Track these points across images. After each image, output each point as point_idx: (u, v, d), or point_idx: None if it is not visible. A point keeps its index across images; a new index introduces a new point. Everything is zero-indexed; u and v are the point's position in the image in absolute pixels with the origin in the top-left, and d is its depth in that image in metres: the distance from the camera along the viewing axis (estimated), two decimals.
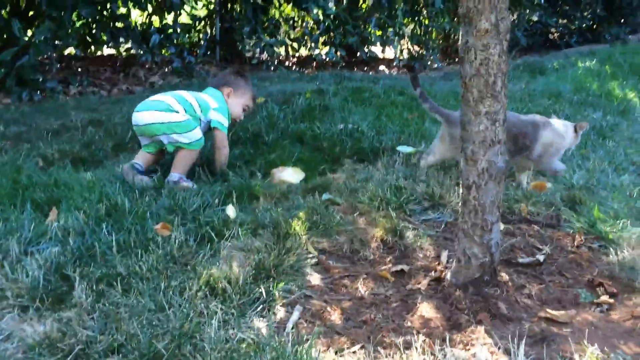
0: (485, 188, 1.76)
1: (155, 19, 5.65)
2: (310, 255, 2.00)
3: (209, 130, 2.82)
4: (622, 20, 8.62)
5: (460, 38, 1.70)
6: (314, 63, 6.62)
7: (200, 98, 2.77)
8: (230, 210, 2.29)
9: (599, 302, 1.79)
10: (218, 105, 2.80)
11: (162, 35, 5.16)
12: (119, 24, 5.06)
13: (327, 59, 6.50)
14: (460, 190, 1.82)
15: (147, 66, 5.34)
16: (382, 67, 7.05)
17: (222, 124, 2.79)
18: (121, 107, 3.86)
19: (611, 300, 1.79)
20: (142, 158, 2.73)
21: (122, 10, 5.10)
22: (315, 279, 1.88)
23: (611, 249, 2.10)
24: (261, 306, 1.64)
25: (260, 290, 1.70)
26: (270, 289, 1.73)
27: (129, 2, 4.90)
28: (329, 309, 1.72)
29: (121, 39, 5.16)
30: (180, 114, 2.63)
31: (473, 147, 1.75)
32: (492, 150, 1.73)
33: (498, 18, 1.61)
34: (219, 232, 2.08)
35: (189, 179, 2.64)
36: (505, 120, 1.75)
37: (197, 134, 2.66)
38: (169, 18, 5.56)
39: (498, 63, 1.66)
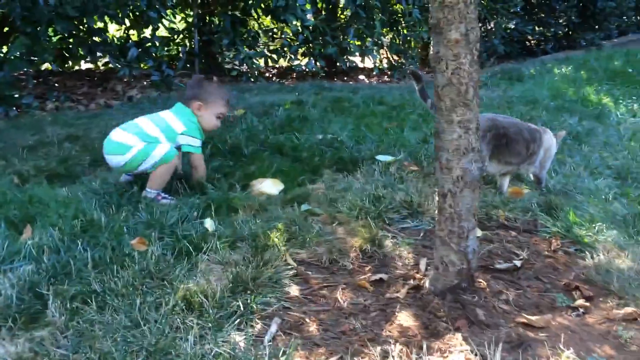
0: (461, 196, 1.78)
1: (134, 33, 5.62)
2: (289, 267, 2.00)
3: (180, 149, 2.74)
4: (597, 27, 8.77)
5: (431, 48, 1.72)
6: (294, 74, 6.63)
7: (165, 125, 2.65)
8: (209, 224, 2.28)
9: (575, 306, 1.80)
10: (186, 128, 2.67)
11: (140, 49, 5.13)
12: (96, 39, 5.03)
13: (307, 70, 6.52)
14: (437, 198, 1.84)
15: (125, 80, 5.30)
16: (362, 77, 7.09)
17: (194, 146, 2.71)
18: (99, 122, 3.83)
19: (587, 304, 1.81)
20: None
21: (99, 24, 5.07)
22: (293, 290, 1.87)
23: (587, 253, 2.13)
24: (238, 320, 1.63)
25: (237, 303, 1.69)
26: (248, 302, 1.72)
27: (106, 16, 4.88)
28: (307, 320, 1.71)
29: (98, 54, 5.12)
30: (137, 147, 2.55)
31: (447, 156, 1.76)
32: (466, 158, 1.75)
33: (467, 28, 1.64)
34: (197, 246, 2.07)
35: (166, 193, 2.62)
36: (479, 129, 1.77)
37: (163, 149, 2.57)
38: (147, 32, 5.54)
39: (469, 72, 1.68)
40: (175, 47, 6.11)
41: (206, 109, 2.74)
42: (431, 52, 1.71)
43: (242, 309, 1.67)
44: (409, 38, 7.18)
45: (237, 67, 6.06)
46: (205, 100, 2.73)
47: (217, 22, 5.95)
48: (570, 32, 8.68)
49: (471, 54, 1.66)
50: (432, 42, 1.71)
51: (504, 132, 2.68)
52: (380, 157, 3.14)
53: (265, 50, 6.44)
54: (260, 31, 6.49)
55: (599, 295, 1.86)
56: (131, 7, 5.06)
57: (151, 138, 2.59)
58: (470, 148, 1.74)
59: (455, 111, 1.71)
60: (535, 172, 2.81)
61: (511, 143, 2.68)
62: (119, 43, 5.30)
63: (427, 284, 1.89)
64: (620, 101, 5.13)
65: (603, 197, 2.70)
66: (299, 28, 6.16)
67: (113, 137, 2.59)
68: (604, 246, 2.16)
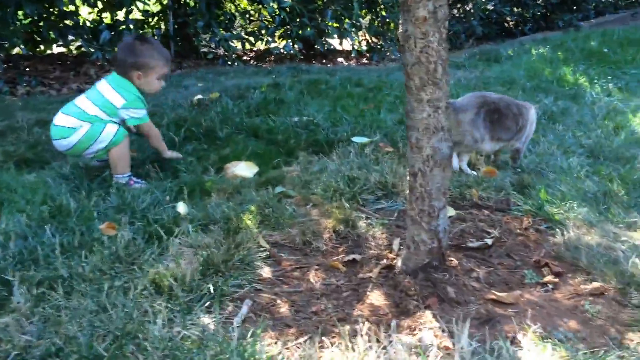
0: (431, 175, 1.78)
1: (106, 16, 5.51)
2: (262, 249, 1.99)
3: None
4: (574, 8, 8.79)
5: (400, 26, 1.70)
6: (272, 57, 6.57)
7: (104, 101, 2.52)
8: (181, 207, 2.26)
9: (544, 282, 1.82)
10: (126, 100, 2.53)
11: (113, 32, 5.04)
12: (68, 22, 4.92)
13: (285, 52, 6.46)
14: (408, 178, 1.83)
15: (98, 64, 5.20)
16: (340, 59, 7.05)
17: (138, 117, 2.58)
18: None
19: (556, 280, 1.83)
20: None
21: (71, 7, 4.96)
22: (266, 272, 1.87)
23: (557, 230, 2.15)
24: (208, 302, 1.62)
25: (208, 286, 1.68)
26: (219, 284, 1.71)
27: None
28: (279, 301, 1.71)
29: (70, 37, 5.01)
30: (83, 128, 2.47)
31: (417, 135, 1.76)
32: (436, 137, 1.75)
33: (435, 6, 1.62)
34: (168, 230, 2.05)
35: (139, 177, 2.59)
36: (448, 107, 1.76)
37: (111, 130, 2.49)
38: (121, 14, 5.42)
39: (438, 50, 1.67)
40: (150, 30, 6.00)
41: (146, 76, 2.55)
42: (400, 30, 1.70)
43: (212, 291, 1.66)
44: (387, 20, 7.13)
45: (213, 50, 5.99)
46: (144, 68, 2.53)
47: (193, 4, 5.86)
48: (548, 13, 8.69)
49: (439, 32, 1.65)
50: (400, 20, 1.69)
51: (495, 107, 2.70)
52: (356, 139, 3.13)
53: (242, 33, 6.36)
54: (237, 13, 6.40)
55: (568, 272, 1.88)
56: None
57: (91, 117, 2.49)
58: (439, 127, 1.74)
59: (425, 90, 1.70)
60: (519, 147, 2.84)
61: (502, 118, 2.70)
62: (91, 26, 5.18)
63: (399, 264, 1.89)
64: (596, 81, 5.16)
65: (575, 175, 2.72)
66: (276, 10, 6.08)
67: (56, 122, 2.52)
68: (574, 223, 2.19)
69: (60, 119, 2.52)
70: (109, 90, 2.55)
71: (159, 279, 1.67)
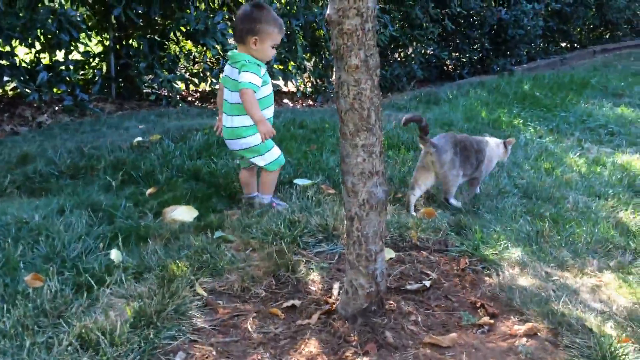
0: (367, 219, 1.79)
1: (45, 56, 5.38)
2: (198, 297, 1.94)
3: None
4: (508, 53, 9.25)
5: (334, 74, 1.74)
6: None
7: (231, 91, 2.69)
8: (115, 255, 2.18)
9: (480, 323, 1.85)
10: (248, 67, 2.60)
11: (51, 73, 4.91)
12: (3, 62, 4.77)
13: None
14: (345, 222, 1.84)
15: (34, 105, 5.05)
16: (286, 101, 7.12)
17: (251, 83, 2.59)
18: (2, 150, 3.61)
19: (491, 321, 1.86)
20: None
21: (6, 47, 4.81)
22: (201, 321, 1.81)
23: (493, 270, 2.20)
24: (138, 357, 1.55)
25: (138, 339, 1.61)
26: (151, 336, 1.64)
27: (13, 39, 4.64)
28: (214, 352, 1.66)
29: (5, 78, 4.85)
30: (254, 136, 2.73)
31: (353, 179, 1.77)
32: (371, 182, 1.77)
33: (367, 54, 1.67)
34: (100, 279, 1.97)
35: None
36: (382, 152, 1.80)
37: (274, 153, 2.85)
38: (60, 55, 5.31)
39: (370, 97, 1.71)
40: (91, 71, 5.90)
41: (262, 42, 2.63)
42: (333, 78, 1.73)
43: (142, 345, 1.60)
44: (331, 63, 7.29)
45: (156, 91, 5.93)
46: (260, 33, 2.62)
47: (136, 45, 5.81)
48: (483, 58, 9.11)
49: (372, 79, 1.69)
50: (334, 68, 1.73)
51: (464, 145, 2.89)
52: (298, 181, 3.13)
53: (187, 74, 6.34)
54: (181, 55, 6.38)
55: (502, 312, 1.92)
56: (40, 29, 4.83)
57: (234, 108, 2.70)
58: (374, 171, 1.76)
59: (359, 135, 1.73)
60: (476, 176, 3.02)
61: (468, 155, 2.90)
62: (28, 67, 5.04)
63: (338, 309, 1.88)
64: (529, 123, 5.40)
65: (509, 215, 2.80)
66: (220, 52, 6.11)
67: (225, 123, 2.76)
68: (509, 263, 2.24)
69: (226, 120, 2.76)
70: (234, 72, 2.66)
71: (86, 333, 1.59)
